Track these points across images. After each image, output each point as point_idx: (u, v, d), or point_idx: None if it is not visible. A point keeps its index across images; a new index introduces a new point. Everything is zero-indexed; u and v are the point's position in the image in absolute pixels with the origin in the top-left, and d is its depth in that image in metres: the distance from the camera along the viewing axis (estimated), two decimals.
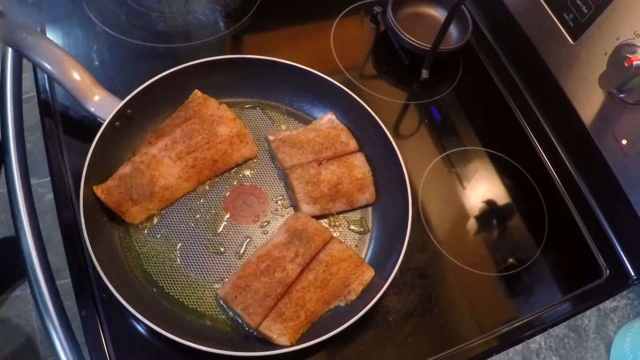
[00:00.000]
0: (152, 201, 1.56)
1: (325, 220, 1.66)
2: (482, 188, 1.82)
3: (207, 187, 1.65)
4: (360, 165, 1.69)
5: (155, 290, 1.48)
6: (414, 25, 1.98)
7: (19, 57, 1.76)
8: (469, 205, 1.79)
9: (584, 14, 1.61)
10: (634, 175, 1.57)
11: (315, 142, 1.69)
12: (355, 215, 1.69)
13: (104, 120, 1.54)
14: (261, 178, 1.70)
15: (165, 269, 1.52)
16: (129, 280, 1.47)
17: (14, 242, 1.50)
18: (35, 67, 1.64)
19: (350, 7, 2.13)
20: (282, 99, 1.82)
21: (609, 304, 1.65)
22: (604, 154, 1.64)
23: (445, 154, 1.85)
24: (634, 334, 1.52)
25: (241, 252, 1.58)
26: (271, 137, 1.71)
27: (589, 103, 1.65)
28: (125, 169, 1.55)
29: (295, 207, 1.65)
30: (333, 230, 1.65)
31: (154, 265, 1.51)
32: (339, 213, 1.68)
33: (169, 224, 1.59)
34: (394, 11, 1.98)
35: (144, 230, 1.56)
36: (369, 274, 1.54)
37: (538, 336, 1.58)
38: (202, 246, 1.57)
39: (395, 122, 1.89)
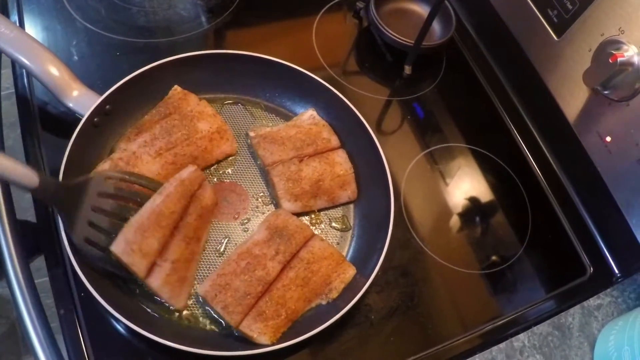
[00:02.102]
0: None
1: (307, 218, 1.65)
2: (465, 185, 1.82)
3: None
4: (341, 162, 1.68)
5: (134, 289, 1.47)
6: (397, 21, 1.97)
7: None
8: (452, 202, 1.78)
9: (569, 10, 1.60)
10: (618, 173, 1.56)
11: (297, 139, 1.68)
12: (337, 212, 1.68)
13: (83, 116, 1.53)
14: (241, 175, 1.68)
15: None
16: (108, 279, 1.45)
17: None
18: (14, 62, 1.63)
19: (333, 2, 2.12)
20: (263, 94, 1.81)
21: (592, 301, 1.65)
22: (588, 151, 1.63)
23: (428, 150, 1.84)
24: (617, 332, 1.51)
25: (221, 249, 1.57)
26: (252, 134, 1.70)
27: (573, 100, 1.64)
28: (104, 166, 1.53)
29: (276, 204, 1.64)
30: (314, 227, 1.63)
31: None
32: (320, 210, 1.67)
33: None
34: (376, 7, 1.97)
35: None
36: (350, 272, 1.53)
37: (522, 334, 1.57)
38: None
39: (378, 119, 1.89)
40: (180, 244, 1.47)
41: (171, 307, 1.45)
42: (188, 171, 1.53)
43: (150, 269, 1.43)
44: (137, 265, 1.40)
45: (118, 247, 1.41)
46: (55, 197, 1.41)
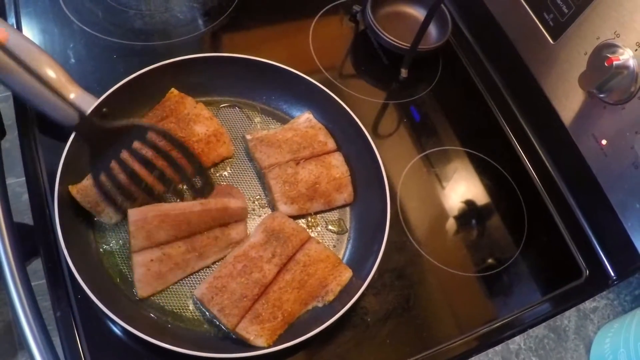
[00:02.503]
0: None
1: (303, 221, 1.65)
2: (461, 188, 1.82)
3: (184, 187, 1.63)
4: (338, 165, 1.68)
5: (131, 291, 1.47)
6: (393, 24, 1.98)
7: None
8: (448, 205, 1.78)
9: (564, 14, 1.61)
10: (613, 176, 1.57)
11: (293, 142, 1.68)
12: (333, 215, 1.68)
13: None
14: (238, 178, 1.69)
15: None
16: (105, 281, 1.46)
17: None
18: None
19: (330, 5, 2.12)
20: (260, 97, 1.81)
21: (588, 304, 1.65)
22: (584, 154, 1.63)
23: (424, 153, 1.85)
24: (613, 335, 1.52)
25: None
26: (248, 137, 1.70)
27: (568, 103, 1.64)
28: None
29: (273, 207, 1.64)
30: (310, 230, 1.64)
31: (130, 266, 1.49)
32: (316, 213, 1.67)
33: None
34: (373, 10, 1.97)
35: (120, 231, 1.54)
36: (346, 274, 1.53)
37: (517, 337, 1.57)
38: None
39: (374, 122, 1.89)
40: (181, 246, 1.48)
41: (134, 290, 1.47)
42: (236, 204, 1.57)
43: (143, 249, 1.46)
44: (137, 239, 1.45)
45: (133, 216, 1.46)
46: (89, 136, 1.45)
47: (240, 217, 1.58)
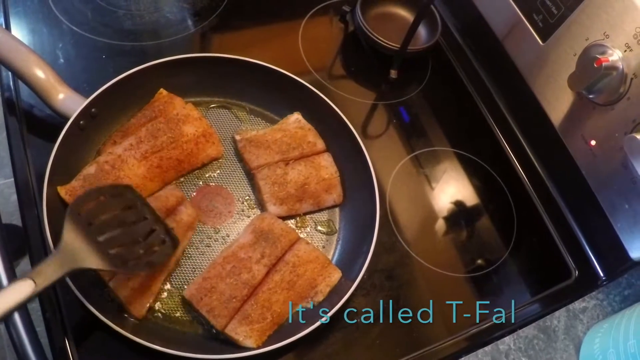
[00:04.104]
0: None
1: (292, 221, 1.65)
2: (451, 189, 1.82)
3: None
4: (327, 166, 1.68)
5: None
6: (383, 25, 1.98)
7: None
8: (438, 206, 1.78)
9: (554, 15, 1.61)
10: (602, 176, 1.57)
11: (282, 142, 1.68)
12: (323, 216, 1.68)
13: (69, 119, 1.52)
14: (227, 178, 1.68)
15: None
16: (93, 282, 1.45)
17: None
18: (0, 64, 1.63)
19: (319, 6, 2.12)
20: (249, 98, 1.81)
21: (578, 304, 1.65)
22: (573, 154, 1.63)
23: (413, 154, 1.85)
24: (603, 335, 1.52)
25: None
26: (237, 137, 1.70)
27: (558, 104, 1.64)
28: (89, 169, 1.53)
29: (262, 207, 1.64)
30: (300, 231, 1.64)
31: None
32: (305, 214, 1.67)
33: None
34: (362, 11, 1.97)
35: None
36: (336, 275, 1.53)
37: (507, 337, 1.57)
38: None
39: (364, 123, 1.89)
40: None
41: (128, 315, 1.43)
42: (168, 189, 1.58)
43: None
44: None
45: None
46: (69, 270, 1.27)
47: (176, 198, 1.56)
